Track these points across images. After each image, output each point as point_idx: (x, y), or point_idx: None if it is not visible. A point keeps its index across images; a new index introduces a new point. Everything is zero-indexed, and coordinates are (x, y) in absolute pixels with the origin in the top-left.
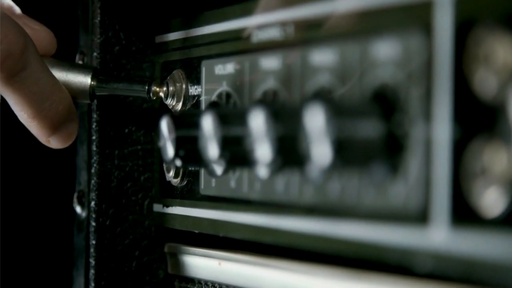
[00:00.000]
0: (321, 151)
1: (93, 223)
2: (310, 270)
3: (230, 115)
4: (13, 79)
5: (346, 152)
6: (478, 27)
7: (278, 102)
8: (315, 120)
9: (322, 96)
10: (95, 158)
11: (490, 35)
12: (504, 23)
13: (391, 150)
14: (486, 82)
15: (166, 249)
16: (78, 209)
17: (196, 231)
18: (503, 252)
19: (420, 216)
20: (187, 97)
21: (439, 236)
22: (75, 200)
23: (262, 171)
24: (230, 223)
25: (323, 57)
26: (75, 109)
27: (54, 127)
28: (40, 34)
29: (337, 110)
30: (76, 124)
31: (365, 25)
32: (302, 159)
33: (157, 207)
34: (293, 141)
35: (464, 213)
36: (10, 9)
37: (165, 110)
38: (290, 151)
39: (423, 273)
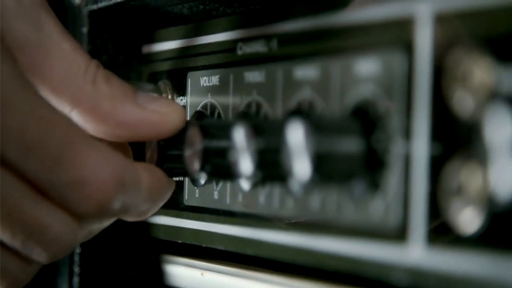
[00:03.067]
0: (300, 166)
1: None
2: (290, 282)
3: (213, 127)
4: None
5: (325, 167)
6: (457, 47)
7: (260, 115)
8: (295, 136)
9: (303, 111)
10: None
11: (468, 55)
12: (481, 44)
13: (370, 166)
14: (463, 101)
15: (149, 258)
16: None
17: (180, 241)
18: (478, 269)
19: (397, 233)
20: None
21: (416, 253)
22: None
23: (244, 184)
24: (213, 234)
25: (305, 72)
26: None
27: None
28: (168, 118)
29: (318, 126)
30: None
31: (347, 42)
32: (283, 173)
33: None
34: (274, 155)
35: (441, 231)
36: (123, 93)
37: None
38: (271, 165)
39: None
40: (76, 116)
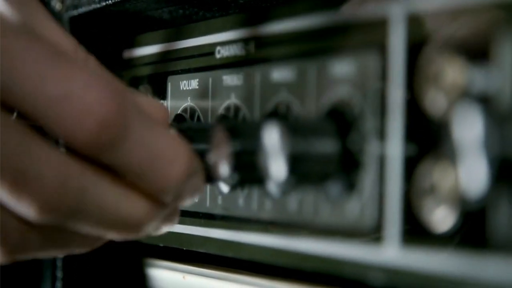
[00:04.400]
0: (277, 168)
1: None
2: (270, 283)
3: (192, 131)
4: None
5: (302, 169)
6: (429, 48)
7: (239, 118)
8: (271, 138)
9: (280, 113)
10: None
11: (440, 55)
12: (453, 44)
13: (346, 167)
14: (436, 101)
15: (132, 262)
16: None
17: (161, 245)
18: (451, 266)
19: (373, 233)
20: None
21: (391, 252)
22: None
23: (223, 187)
24: (194, 236)
25: (282, 74)
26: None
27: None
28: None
29: (294, 128)
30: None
31: (322, 44)
32: (260, 175)
33: None
34: (251, 158)
35: (415, 229)
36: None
37: None
38: (248, 167)
39: (377, 287)
40: None
